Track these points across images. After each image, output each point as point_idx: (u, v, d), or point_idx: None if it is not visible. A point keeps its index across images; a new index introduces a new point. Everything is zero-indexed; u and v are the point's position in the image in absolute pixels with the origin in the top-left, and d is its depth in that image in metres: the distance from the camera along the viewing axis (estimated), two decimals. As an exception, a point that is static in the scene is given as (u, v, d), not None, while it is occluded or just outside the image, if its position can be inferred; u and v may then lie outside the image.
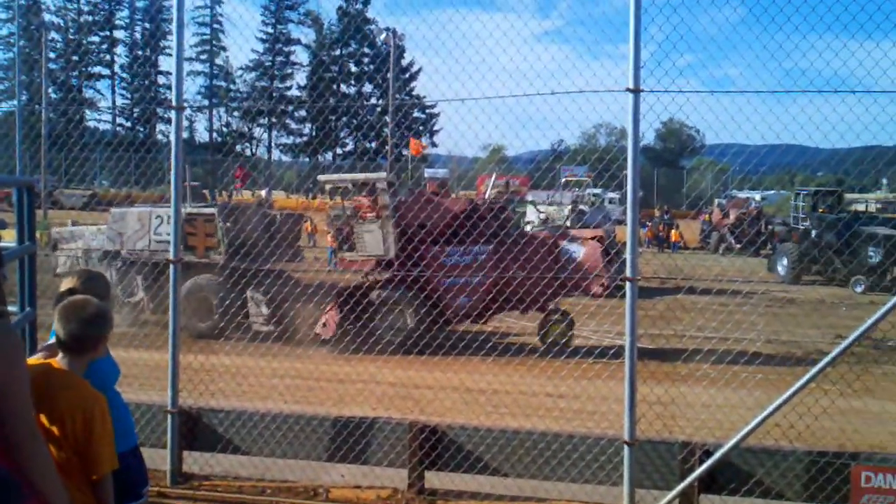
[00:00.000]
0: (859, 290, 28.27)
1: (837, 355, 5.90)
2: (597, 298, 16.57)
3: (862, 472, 5.84)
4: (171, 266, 7.11)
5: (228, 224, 17.78)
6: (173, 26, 7.20)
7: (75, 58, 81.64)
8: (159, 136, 79.65)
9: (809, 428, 6.62)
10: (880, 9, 5.83)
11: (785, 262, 31.42)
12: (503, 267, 15.28)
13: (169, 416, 7.07)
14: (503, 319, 18.11)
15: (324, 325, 16.46)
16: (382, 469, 7.07)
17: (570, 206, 34.76)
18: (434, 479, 7.01)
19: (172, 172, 7.07)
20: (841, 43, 6.08)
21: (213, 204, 20.03)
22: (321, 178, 18.39)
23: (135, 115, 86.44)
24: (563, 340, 15.54)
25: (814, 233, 31.53)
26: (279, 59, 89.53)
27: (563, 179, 41.35)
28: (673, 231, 41.56)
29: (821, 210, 35.08)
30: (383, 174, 18.07)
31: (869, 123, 6.47)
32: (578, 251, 16.86)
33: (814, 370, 5.81)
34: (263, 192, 22.45)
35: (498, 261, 15.61)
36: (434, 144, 74.24)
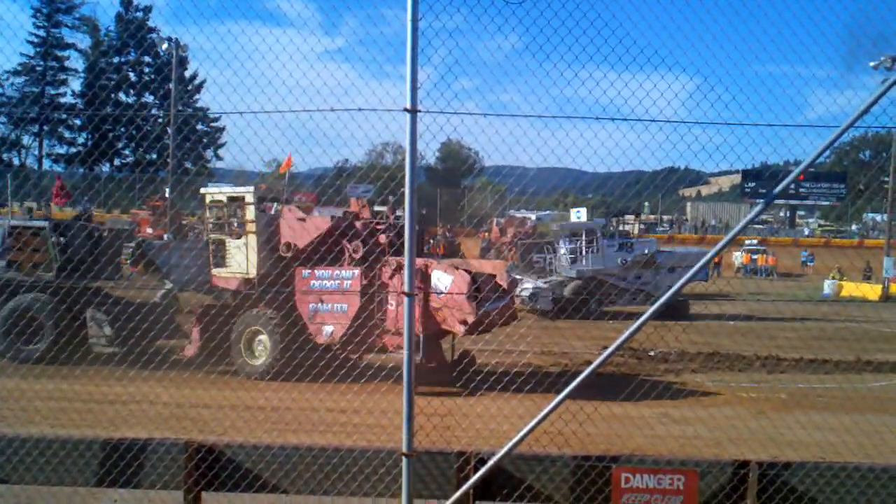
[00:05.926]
0: None
1: (599, 364, 6.32)
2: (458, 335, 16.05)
3: (622, 473, 6.27)
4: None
5: (61, 239, 16.55)
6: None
7: None
8: None
9: (576, 434, 7.00)
10: (636, 43, 6.36)
11: None
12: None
13: None
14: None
15: (189, 343, 15.74)
16: (157, 492, 6.80)
17: None
18: (211, 501, 6.83)
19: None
20: (601, 74, 6.56)
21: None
22: (204, 190, 17.54)
23: None
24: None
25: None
26: (52, 64, 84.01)
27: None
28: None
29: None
30: (251, 188, 17.00)
31: (626, 149, 7.03)
32: (447, 281, 15.53)
33: (578, 379, 6.19)
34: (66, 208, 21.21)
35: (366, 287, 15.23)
36: (219, 158, 72.51)
